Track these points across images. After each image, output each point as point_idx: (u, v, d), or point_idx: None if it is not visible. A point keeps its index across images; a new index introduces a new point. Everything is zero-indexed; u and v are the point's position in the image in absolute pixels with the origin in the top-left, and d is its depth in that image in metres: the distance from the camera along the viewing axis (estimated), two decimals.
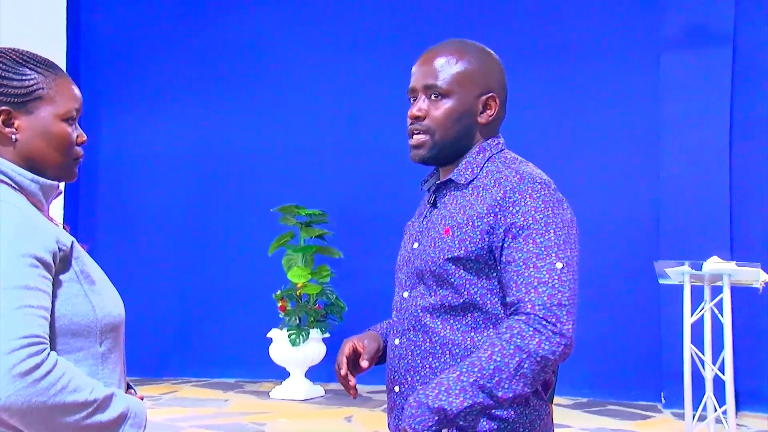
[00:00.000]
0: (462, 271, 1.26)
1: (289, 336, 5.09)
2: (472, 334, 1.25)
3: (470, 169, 1.33)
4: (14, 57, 1.24)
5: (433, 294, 1.29)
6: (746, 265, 3.51)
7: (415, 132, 1.34)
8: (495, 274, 1.26)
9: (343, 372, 1.37)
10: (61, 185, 1.31)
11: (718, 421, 3.56)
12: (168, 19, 6.10)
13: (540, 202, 1.23)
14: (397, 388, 1.33)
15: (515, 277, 1.21)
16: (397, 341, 1.34)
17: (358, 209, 5.64)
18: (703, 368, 3.59)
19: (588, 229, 4.94)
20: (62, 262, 1.17)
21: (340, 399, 5.09)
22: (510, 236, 1.23)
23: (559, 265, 1.20)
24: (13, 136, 1.22)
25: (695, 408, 3.56)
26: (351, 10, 5.81)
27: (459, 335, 1.26)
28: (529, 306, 1.18)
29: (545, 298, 1.18)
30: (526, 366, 1.16)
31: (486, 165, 1.33)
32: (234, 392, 5.36)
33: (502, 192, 1.26)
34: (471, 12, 5.44)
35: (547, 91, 5.31)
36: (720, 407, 3.50)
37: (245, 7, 6.01)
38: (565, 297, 1.19)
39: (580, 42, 5.28)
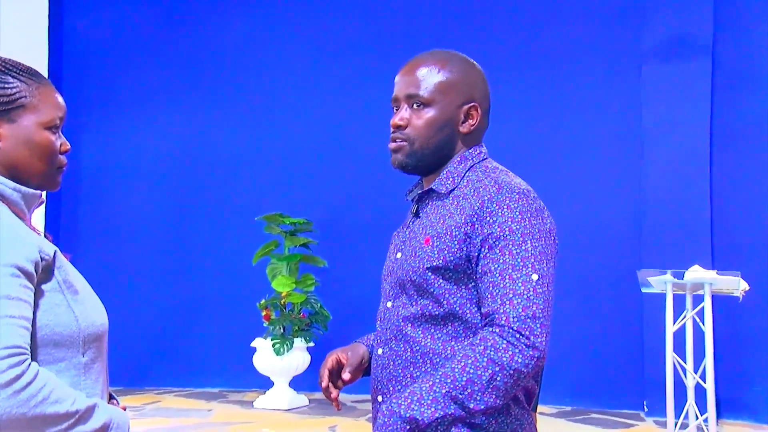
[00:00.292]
0: (442, 280, 1.26)
1: (273, 345, 5.06)
2: (453, 343, 1.26)
3: (451, 179, 1.33)
4: None
5: (414, 304, 1.29)
6: (727, 273, 3.55)
7: (396, 140, 1.35)
8: (473, 284, 1.26)
9: (323, 384, 1.38)
10: (43, 194, 1.30)
11: (699, 429, 3.58)
12: (151, 26, 6.08)
13: (517, 213, 1.24)
14: (380, 398, 1.34)
15: (491, 288, 1.21)
16: (380, 351, 1.34)
17: (342, 218, 5.64)
18: (685, 376, 3.62)
19: (571, 238, 5.03)
20: (44, 272, 1.16)
21: (324, 408, 5.07)
22: (487, 246, 1.23)
23: (534, 277, 1.20)
24: None
25: (677, 416, 3.59)
26: (335, 18, 5.83)
27: (440, 344, 1.26)
28: (504, 318, 1.19)
29: (519, 310, 1.18)
30: (498, 379, 1.16)
31: (467, 174, 1.33)
32: (217, 402, 5.32)
33: (480, 202, 1.26)
34: (455, 21, 5.48)
35: (531, 101, 5.35)
36: (701, 415, 3.53)
37: (229, 14, 6.00)
38: (539, 309, 1.19)
39: (563, 52, 5.33)
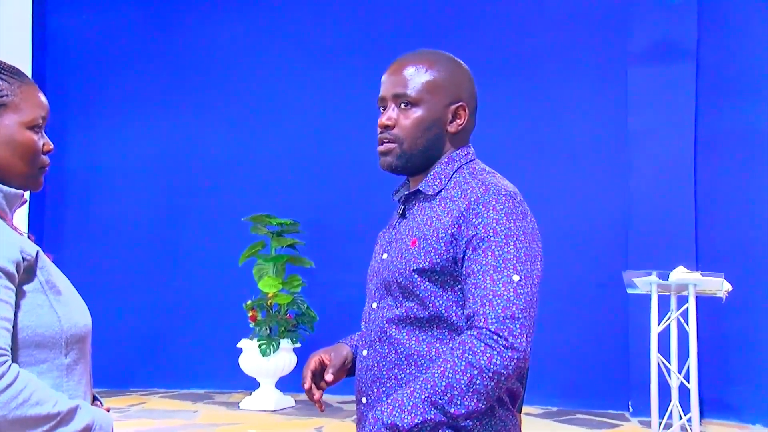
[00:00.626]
0: (428, 282, 1.25)
1: (260, 346, 5.05)
2: (438, 345, 1.25)
3: (438, 180, 1.33)
4: None
5: (399, 305, 1.28)
6: (710, 275, 3.58)
7: (384, 140, 1.34)
8: (459, 286, 1.26)
9: (306, 386, 1.37)
10: (26, 194, 1.28)
11: (683, 429, 3.61)
12: (137, 27, 6.05)
13: (502, 214, 1.23)
14: (364, 400, 1.33)
15: (473, 290, 1.21)
16: (365, 352, 1.34)
17: (329, 219, 5.63)
18: (669, 377, 3.64)
19: (557, 240, 5.05)
20: (26, 272, 1.15)
21: (310, 410, 5.06)
22: (471, 248, 1.23)
23: (515, 278, 1.20)
24: None
25: (661, 416, 3.61)
26: (321, 20, 5.82)
27: (424, 346, 1.26)
28: (482, 320, 1.18)
29: (499, 311, 1.17)
30: (478, 382, 1.16)
31: (454, 176, 1.33)
32: (203, 403, 5.29)
33: (466, 203, 1.26)
34: (442, 24, 5.49)
35: (518, 104, 5.37)
36: (685, 415, 3.55)
37: (216, 16, 5.98)
38: (519, 310, 1.18)
39: (550, 56, 5.36)
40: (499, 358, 1.16)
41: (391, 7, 5.69)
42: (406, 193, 1.37)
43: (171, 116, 5.95)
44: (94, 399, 1.28)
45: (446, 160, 1.34)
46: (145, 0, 6.10)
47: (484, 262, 1.21)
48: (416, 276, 1.26)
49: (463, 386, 1.16)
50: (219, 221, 5.76)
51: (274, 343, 5.06)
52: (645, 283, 3.64)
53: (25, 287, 1.14)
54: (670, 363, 3.63)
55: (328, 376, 1.37)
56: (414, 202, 1.36)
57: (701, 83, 4.92)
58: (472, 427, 1.22)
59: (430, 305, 1.26)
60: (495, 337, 1.17)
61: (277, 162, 5.75)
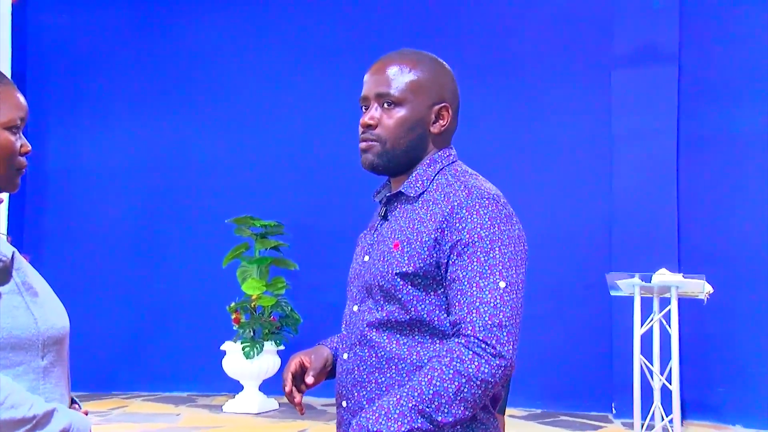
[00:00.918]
0: (410, 286, 1.25)
1: (243, 348, 5.02)
2: (419, 348, 1.25)
3: (420, 182, 1.32)
4: None
5: (380, 309, 1.27)
6: (692, 277, 3.61)
7: (367, 140, 1.33)
8: (442, 290, 1.25)
9: (287, 389, 1.36)
10: (5, 195, 1.26)
11: (665, 430, 3.63)
12: (119, 26, 6.00)
13: (487, 219, 1.23)
14: (344, 403, 1.32)
15: (458, 296, 1.21)
16: (345, 356, 1.33)
17: (314, 221, 5.62)
18: (652, 378, 3.67)
19: (541, 243, 5.07)
20: (2, 273, 1.13)
21: (294, 413, 5.03)
22: (455, 253, 1.22)
23: (502, 285, 1.19)
24: None
25: (644, 417, 3.63)
26: (306, 22, 5.81)
27: (405, 350, 1.25)
28: (470, 327, 1.18)
29: (486, 319, 1.17)
30: (466, 390, 1.16)
31: (436, 177, 1.32)
32: (186, 406, 5.25)
33: (449, 207, 1.25)
34: (427, 26, 5.49)
35: (502, 107, 5.39)
36: (667, 416, 3.58)
37: (199, 17, 5.95)
38: (505, 317, 1.18)
39: (534, 59, 5.39)
40: (487, 366, 1.16)
41: (375, 9, 5.69)
42: (388, 194, 1.36)
43: (153, 116, 5.91)
44: (72, 402, 1.26)
45: (428, 161, 1.33)
46: (127, 1, 6.05)
47: (469, 269, 1.20)
48: (399, 279, 1.25)
49: (450, 394, 1.15)
50: (202, 223, 5.72)
51: (257, 345, 5.03)
52: (628, 285, 3.67)
53: (1, 289, 1.13)
54: (652, 364, 3.65)
55: (309, 379, 1.35)
56: (396, 204, 1.34)
57: (683, 87, 4.97)
58: (453, 431, 1.21)
59: (412, 309, 1.25)
60: (483, 345, 1.16)
61: (261, 163, 5.73)
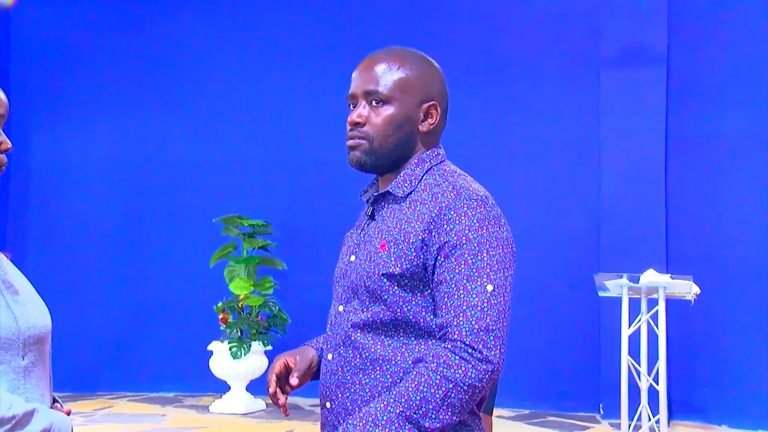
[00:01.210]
0: (396, 287, 1.24)
1: (230, 349, 4.99)
2: (403, 350, 1.24)
3: (408, 182, 1.30)
4: None
5: (365, 310, 1.26)
6: (680, 278, 3.63)
7: (354, 138, 1.32)
8: (429, 291, 1.24)
9: (271, 390, 1.34)
10: None
11: (652, 430, 3.65)
12: (103, 23, 5.94)
13: (475, 221, 1.22)
14: (328, 404, 1.31)
15: (445, 299, 1.20)
16: (330, 356, 1.31)
17: (302, 220, 5.60)
18: (639, 379, 3.68)
19: (530, 243, 5.07)
20: None
21: (280, 413, 5.00)
22: (443, 255, 1.21)
23: (489, 288, 1.19)
24: None
25: (631, 418, 3.64)
26: (292, 20, 5.78)
27: (390, 351, 1.24)
28: (456, 332, 1.17)
29: (473, 323, 1.17)
30: (453, 396, 1.15)
31: (424, 177, 1.30)
32: (172, 407, 5.22)
33: (437, 208, 1.24)
34: (413, 26, 5.48)
35: (490, 107, 5.40)
36: (654, 416, 3.59)
37: (183, 14, 5.90)
38: (492, 321, 1.17)
39: (522, 60, 5.39)
40: (474, 371, 1.15)
41: (363, 7, 5.68)
42: (375, 194, 1.35)
43: (139, 114, 5.86)
44: (54, 401, 1.24)
45: (416, 161, 1.32)
46: None
47: (456, 271, 1.19)
48: (385, 280, 1.24)
49: (438, 400, 1.15)
50: (189, 222, 5.68)
51: (245, 345, 5.00)
52: (616, 286, 3.68)
53: None
54: (640, 365, 3.66)
55: (293, 380, 1.34)
56: (383, 203, 1.33)
57: (672, 88, 4.99)
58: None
59: (398, 310, 1.24)
60: (470, 350, 1.16)
61: (249, 163, 5.70)
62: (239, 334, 5.10)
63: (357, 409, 1.23)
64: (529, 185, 5.25)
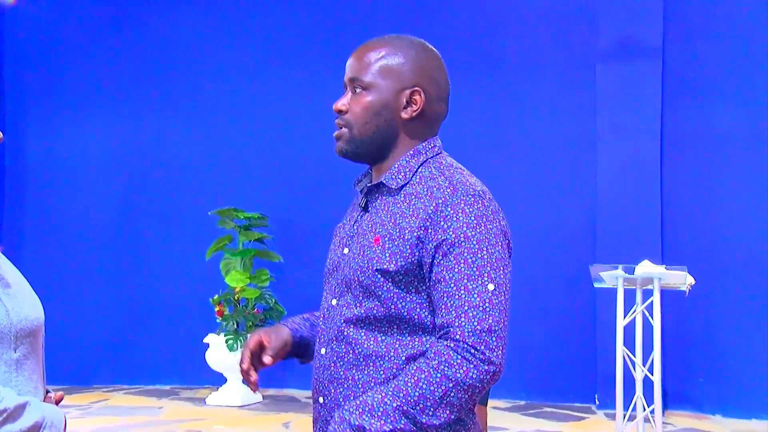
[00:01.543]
0: (390, 284, 1.22)
1: (227, 341, 4.99)
2: (397, 346, 1.22)
3: (402, 173, 1.28)
4: None
5: (358, 305, 1.25)
6: (674, 268, 3.64)
7: (338, 126, 1.31)
8: (424, 288, 1.22)
9: (244, 366, 1.34)
10: None
11: (646, 420, 3.67)
12: (98, 17, 5.91)
13: (473, 217, 1.19)
14: (321, 399, 1.30)
15: (445, 299, 1.18)
16: (323, 351, 1.30)
17: (298, 213, 5.59)
18: (634, 369, 3.70)
19: (526, 236, 5.06)
20: None
21: (278, 405, 5.02)
22: (440, 253, 1.19)
23: (490, 287, 1.17)
24: None
25: (626, 408, 3.66)
26: (288, 13, 5.75)
27: (383, 348, 1.23)
28: (459, 332, 1.16)
29: (475, 324, 1.15)
30: (452, 395, 1.15)
31: (419, 170, 1.28)
32: (169, 399, 5.22)
33: (434, 204, 1.21)
34: (409, 21, 5.44)
35: (486, 101, 5.39)
36: (649, 407, 3.61)
37: (178, 9, 5.86)
38: (494, 321, 1.16)
39: (518, 54, 5.38)
40: (475, 371, 1.14)
41: (356, 3, 5.65)
42: (369, 185, 1.33)
43: (134, 108, 5.84)
44: (47, 393, 1.24)
45: (411, 152, 1.29)
46: None
47: (456, 270, 1.18)
48: (379, 276, 1.22)
49: (437, 398, 1.14)
50: (185, 215, 5.68)
51: (241, 338, 5.01)
52: (611, 277, 3.69)
53: None
54: (635, 356, 3.68)
55: (267, 359, 1.34)
56: (377, 195, 1.30)
57: (667, 82, 4.99)
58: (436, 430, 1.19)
59: (392, 306, 1.22)
60: (472, 351, 1.15)
61: (245, 155, 5.68)
62: (235, 326, 5.10)
63: None
64: (526, 179, 5.26)
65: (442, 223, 1.20)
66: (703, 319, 4.84)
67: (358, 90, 1.29)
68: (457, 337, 1.16)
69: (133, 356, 5.68)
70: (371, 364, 1.22)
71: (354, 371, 1.24)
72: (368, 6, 5.61)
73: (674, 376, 4.78)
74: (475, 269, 1.17)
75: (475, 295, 1.16)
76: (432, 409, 1.14)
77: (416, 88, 1.28)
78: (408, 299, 1.22)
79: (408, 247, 1.21)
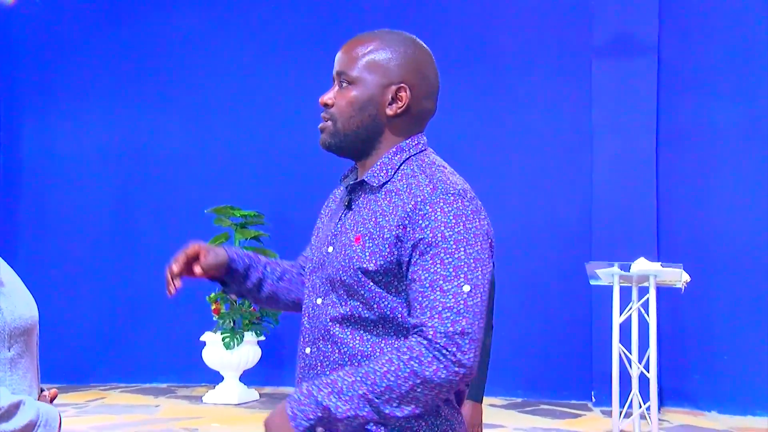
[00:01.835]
0: (372, 283, 1.21)
1: (223, 339, 4.99)
2: (383, 345, 1.22)
3: (384, 171, 1.26)
4: None
5: (344, 304, 1.24)
6: (670, 266, 3.64)
7: (323, 119, 1.31)
8: (404, 287, 1.21)
9: (175, 269, 1.38)
10: None
11: (642, 417, 3.67)
12: (93, 13, 5.89)
13: (451, 217, 1.18)
14: None
15: (420, 299, 1.17)
16: (308, 350, 1.29)
17: (294, 211, 5.58)
18: (630, 366, 3.70)
19: (522, 233, 5.05)
20: None
21: (275, 403, 5.01)
22: (418, 252, 1.18)
23: (466, 288, 1.15)
24: None
25: (622, 405, 3.67)
26: (283, 10, 5.75)
27: (369, 347, 1.22)
28: (431, 332, 1.14)
29: (448, 325, 1.14)
30: (418, 391, 1.14)
31: (402, 167, 1.26)
32: (165, 397, 5.22)
33: (413, 202, 1.20)
34: (403, 17, 5.45)
35: (482, 98, 5.39)
36: (645, 404, 3.62)
37: (174, 6, 5.85)
38: (468, 323, 1.15)
39: (513, 50, 5.38)
40: (445, 372, 1.13)
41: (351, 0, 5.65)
42: (351, 183, 1.32)
43: (129, 105, 5.82)
44: (41, 391, 1.24)
45: (395, 149, 1.27)
46: None
47: (432, 270, 1.16)
48: (361, 275, 1.21)
49: (403, 392, 1.14)
50: (181, 212, 5.67)
51: (238, 336, 5.00)
52: (607, 275, 3.69)
53: None
54: (631, 353, 3.69)
55: (197, 269, 1.39)
56: (360, 193, 1.29)
57: (663, 78, 5.00)
58: (418, 427, 1.20)
59: (375, 306, 1.21)
60: (444, 352, 1.14)
61: (241, 153, 5.68)
62: (232, 324, 5.09)
63: None
64: (521, 175, 5.26)
65: (420, 221, 1.18)
66: (698, 315, 4.85)
67: (344, 84, 1.28)
68: (430, 336, 1.15)
69: (130, 354, 5.67)
70: (357, 363, 1.21)
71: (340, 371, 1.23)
72: (363, 3, 5.61)
73: (670, 373, 4.79)
74: (451, 270, 1.16)
75: (450, 297, 1.15)
76: (397, 402, 1.14)
77: (402, 85, 1.27)
78: (390, 299, 1.21)
79: (387, 246, 1.20)
